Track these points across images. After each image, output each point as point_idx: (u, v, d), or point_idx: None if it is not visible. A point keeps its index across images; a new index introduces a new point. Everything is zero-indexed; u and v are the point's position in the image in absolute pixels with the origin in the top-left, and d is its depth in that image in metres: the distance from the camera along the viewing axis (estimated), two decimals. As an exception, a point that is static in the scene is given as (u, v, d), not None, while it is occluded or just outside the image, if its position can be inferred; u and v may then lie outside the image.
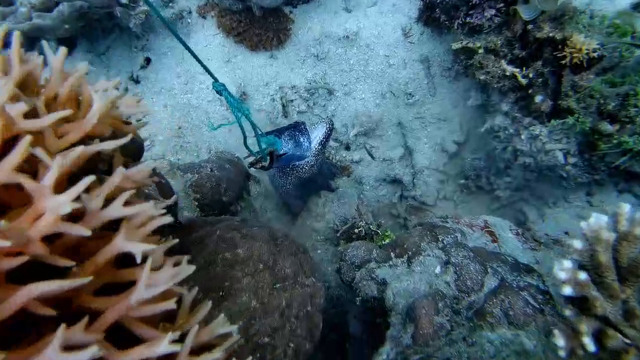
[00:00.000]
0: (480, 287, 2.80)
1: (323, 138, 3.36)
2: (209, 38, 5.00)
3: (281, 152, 3.05)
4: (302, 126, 3.21)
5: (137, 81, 5.34)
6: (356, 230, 3.68)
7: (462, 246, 3.00)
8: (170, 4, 4.91)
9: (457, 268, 2.88)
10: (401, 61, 4.92)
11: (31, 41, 4.60)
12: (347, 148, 5.27)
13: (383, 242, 3.64)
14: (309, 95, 5.11)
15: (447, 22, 4.18)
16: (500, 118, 4.23)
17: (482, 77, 3.97)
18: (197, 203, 3.38)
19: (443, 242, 3.25)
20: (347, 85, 5.09)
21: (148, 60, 5.27)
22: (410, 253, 3.17)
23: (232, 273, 2.07)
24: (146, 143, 5.39)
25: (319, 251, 3.97)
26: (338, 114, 5.16)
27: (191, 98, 5.09)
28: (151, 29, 5.17)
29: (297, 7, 4.95)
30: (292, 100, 5.00)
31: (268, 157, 2.96)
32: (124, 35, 5.28)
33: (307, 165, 3.35)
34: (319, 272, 2.47)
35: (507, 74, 3.78)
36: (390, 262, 3.18)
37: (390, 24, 4.89)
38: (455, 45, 4.02)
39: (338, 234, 3.79)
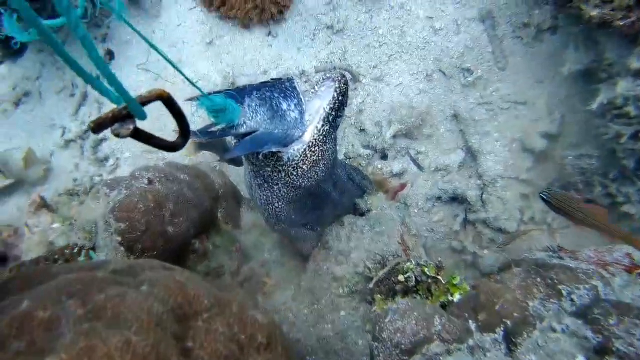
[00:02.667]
0: None
1: (330, 110, 1.89)
2: (183, 14, 3.80)
3: (241, 125, 1.67)
4: (288, 84, 1.81)
5: (98, 83, 4.18)
6: (401, 278, 2.20)
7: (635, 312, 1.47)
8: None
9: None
10: (452, 23, 3.54)
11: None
12: (384, 156, 3.85)
13: (449, 299, 2.13)
14: (324, 85, 3.77)
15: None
16: (627, 84, 2.72)
17: (594, 13, 2.52)
18: (119, 239, 2.04)
19: (572, 299, 1.74)
20: (377, 66, 3.75)
21: (111, 54, 4.13)
22: (509, 324, 1.68)
23: None
24: (109, 163, 4.20)
25: (342, 313, 2.53)
26: (367, 109, 3.80)
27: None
28: (111, 13, 4.05)
29: (300, -38, 3.70)
30: (300, 91, 3.68)
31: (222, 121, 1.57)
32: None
33: (303, 161, 1.90)
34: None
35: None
36: (471, 342, 1.69)
37: (432, -30, 3.54)
38: (545, -30, 2.60)
39: (371, 285, 2.32)
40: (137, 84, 3.99)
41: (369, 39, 3.71)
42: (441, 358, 1.62)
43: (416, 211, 3.68)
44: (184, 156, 3.37)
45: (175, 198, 2.20)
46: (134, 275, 1.06)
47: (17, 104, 4.39)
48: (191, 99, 1.50)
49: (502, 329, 1.66)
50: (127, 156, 3.99)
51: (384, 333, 1.71)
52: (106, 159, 4.06)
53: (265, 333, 1.02)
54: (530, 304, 1.68)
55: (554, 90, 3.35)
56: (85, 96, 4.25)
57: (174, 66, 1.48)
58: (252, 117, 1.70)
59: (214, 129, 1.65)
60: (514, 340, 1.60)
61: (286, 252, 3.01)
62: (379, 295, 2.33)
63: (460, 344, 1.66)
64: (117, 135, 0.94)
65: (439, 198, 3.63)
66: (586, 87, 3.13)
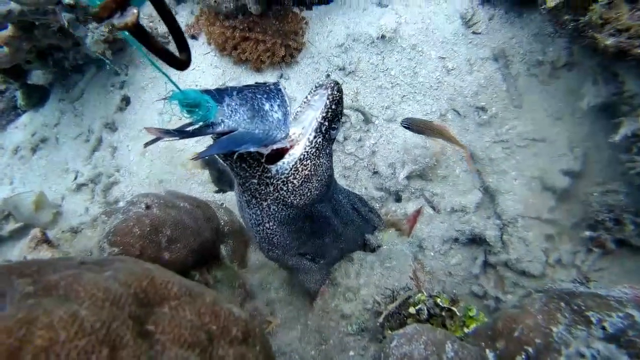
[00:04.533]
0: None
1: (323, 119, 1.81)
2: (197, 59, 3.95)
3: (218, 124, 1.58)
4: (272, 86, 1.75)
5: (113, 128, 4.31)
6: (412, 310, 2.05)
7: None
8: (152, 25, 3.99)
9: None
10: (464, 63, 3.57)
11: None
12: (398, 198, 3.77)
13: (465, 332, 1.97)
14: (336, 127, 3.79)
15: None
16: (649, 112, 2.65)
17: (609, 42, 2.50)
18: (112, 263, 1.96)
19: (603, 327, 1.56)
20: (389, 107, 3.77)
21: (127, 101, 4.27)
22: (531, 351, 1.51)
23: None
24: (120, 204, 4.21)
25: (350, 353, 2.37)
26: (380, 150, 3.78)
27: (173, 140, 3.92)
28: (131, 61, 4.25)
29: (312, 8, 3.85)
30: (309, 129, 3.69)
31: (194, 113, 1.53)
32: (102, 74, 4.39)
33: (294, 175, 1.80)
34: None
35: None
36: (489, 372, 1.52)
37: (442, 12, 3.64)
38: (553, 1, 2.63)
39: (381, 319, 2.17)
40: (150, 123, 4.09)
41: (381, 80, 3.76)
42: (454, 389, 1.44)
43: (432, 254, 3.53)
44: (190, 172, 3.38)
45: (173, 224, 2.15)
46: (101, 265, 0.99)
47: (34, 149, 4.53)
48: (163, 98, 1.47)
49: (523, 357, 1.49)
50: (137, 198, 4.01)
51: (390, 356, 1.55)
52: (116, 202, 4.08)
53: (242, 327, 0.92)
54: (554, 329, 1.51)
55: (574, 126, 3.28)
56: (100, 141, 4.36)
57: (161, 72, 1.45)
58: (231, 116, 1.63)
59: (189, 128, 1.58)
60: (536, 369, 1.42)
61: (294, 291, 2.87)
62: (389, 331, 2.16)
63: (475, 373, 1.49)
64: (114, 27, 0.92)
65: (456, 239, 3.48)
66: (608, 121, 3.06)
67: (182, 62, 1.24)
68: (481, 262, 3.42)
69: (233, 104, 1.64)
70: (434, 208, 3.65)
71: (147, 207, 2.16)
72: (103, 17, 0.92)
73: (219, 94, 1.63)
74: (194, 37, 4.07)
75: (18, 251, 3.89)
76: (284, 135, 1.66)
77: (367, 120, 3.79)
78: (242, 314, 0.96)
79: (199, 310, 0.89)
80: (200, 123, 1.57)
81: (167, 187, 3.94)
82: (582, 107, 3.11)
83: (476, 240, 3.46)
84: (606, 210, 3.06)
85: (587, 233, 3.20)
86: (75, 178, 4.25)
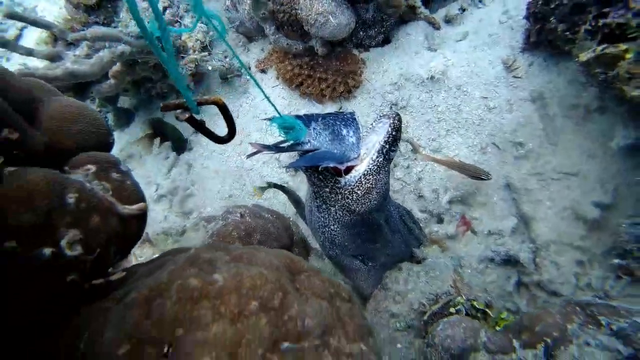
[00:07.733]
0: None
1: (385, 142, 2.20)
2: (267, 90, 4.57)
3: (306, 143, 2.00)
4: (349, 115, 2.21)
5: (189, 148, 4.98)
6: (452, 310, 2.50)
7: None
8: (227, 59, 4.65)
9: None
10: (505, 103, 4.01)
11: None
12: (440, 220, 4.21)
13: (496, 330, 2.40)
14: (386, 154, 4.30)
15: (568, 34, 3.29)
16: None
17: (634, 93, 2.91)
18: (216, 258, 2.53)
19: (611, 328, 1.99)
20: (435, 139, 4.24)
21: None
22: (549, 341, 1.95)
23: (194, 312, 1.11)
24: (193, 216, 4.84)
25: (398, 345, 2.81)
26: (426, 177, 4.25)
27: (244, 160, 4.53)
28: (207, 90, 4.92)
29: (369, 50, 4.42)
30: (364, 156, 4.21)
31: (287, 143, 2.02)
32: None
33: (358, 187, 2.23)
34: (374, 338, 1.39)
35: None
36: (514, 356, 1.97)
37: (486, 58, 4.11)
38: (585, 55, 3.07)
39: (425, 317, 2.63)
40: (222, 147, 4.72)
41: (429, 115, 4.25)
42: (486, 365, 1.88)
43: (469, 271, 3.93)
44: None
45: (261, 230, 2.69)
46: (257, 250, 1.53)
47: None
48: (267, 118, 1.98)
49: (542, 345, 1.90)
50: (209, 210, 4.61)
51: (436, 339, 2.01)
52: (190, 212, 4.70)
53: (347, 292, 1.43)
54: (569, 326, 1.92)
55: (606, 164, 3.64)
56: (177, 159, 5.02)
57: (266, 97, 1.97)
58: (316, 137, 2.04)
59: (283, 145, 2.04)
60: (553, 354, 1.84)
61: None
62: (431, 327, 2.60)
63: (503, 355, 1.91)
64: (177, 118, 1.34)
65: (492, 260, 3.88)
66: (637, 160, 3.43)
67: (222, 139, 1.66)
68: (515, 281, 3.80)
69: (318, 128, 2.07)
70: (472, 230, 4.08)
71: (242, 215, 2.72)
72: (163, 110, 1.39)
73: (308, 120, 2.08)
74: (263, 71, 4.72)
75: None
76: (356, 155, 2.12)
77: (415, 150, 4.28)
78: (346, 286, 1.47)
79: (322, 279, 1.41)
80: (292, 141, 2.03)
81: (235, 201, 4.54)
82: (612, 147, 3.50)
83: (510, 262, 3.85)
84: (634, 240, 3.41)
85: (616, 261, 3.54)
86: (156, 190, 4.91)
